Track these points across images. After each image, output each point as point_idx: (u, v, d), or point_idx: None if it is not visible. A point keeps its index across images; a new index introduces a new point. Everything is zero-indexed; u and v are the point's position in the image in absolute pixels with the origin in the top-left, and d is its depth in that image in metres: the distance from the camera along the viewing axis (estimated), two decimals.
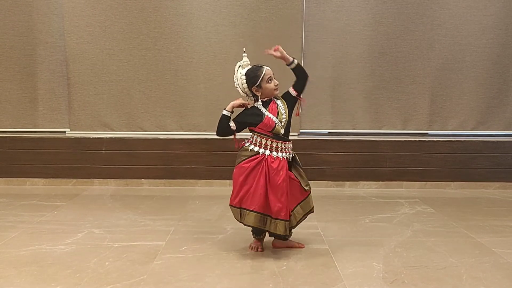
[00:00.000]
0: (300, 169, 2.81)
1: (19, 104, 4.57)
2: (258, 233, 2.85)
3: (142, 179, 4.48)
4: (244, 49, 2.82)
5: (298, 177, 2.77)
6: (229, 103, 2.77)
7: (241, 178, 2.72)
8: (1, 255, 2.74)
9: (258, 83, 2.70)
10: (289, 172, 2.74)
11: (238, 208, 2.73)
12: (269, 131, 2.71)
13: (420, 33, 4.52)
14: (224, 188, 4.40)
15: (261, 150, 2.71)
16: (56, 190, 4.30)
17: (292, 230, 2.84)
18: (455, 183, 4.54)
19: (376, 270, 2.58)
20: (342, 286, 2.39)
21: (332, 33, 4.52)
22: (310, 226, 3.30)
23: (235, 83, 2.81)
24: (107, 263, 2.63)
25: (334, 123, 4.63)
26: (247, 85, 2.74)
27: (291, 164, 2.79)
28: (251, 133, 2.79)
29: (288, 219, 2.69)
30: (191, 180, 4.48)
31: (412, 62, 4.57)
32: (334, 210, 3.76)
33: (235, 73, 2.82)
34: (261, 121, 2.70)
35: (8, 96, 4.55)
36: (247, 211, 2.70)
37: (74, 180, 4.47)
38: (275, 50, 2.72)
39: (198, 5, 4.41)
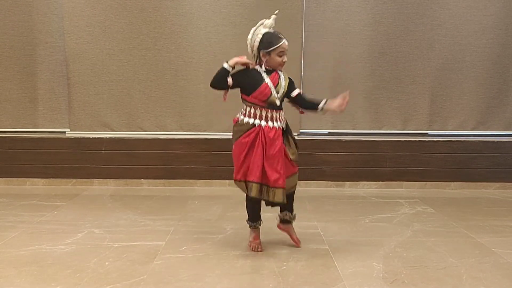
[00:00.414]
0: (290, 137, 2.79)
1: (19, 104, 4.57)
2: (253, 219, 2.85)
3: (142, 179, 4.48)
4: (276, 12, 2.76)
5: (286, 144, 2.75)
6: (233, 57, 2.70)
7: (243, 154, 2.72)
8: (1, 255, 2.74)
9: (269, 50, 2.64)
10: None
11: (244, 181, 2.74)
12: (263, 100, 2.67)
13: (420, 33, 4.52)
14: (223, 188, 4.41)
15: (257, 122, 2.69)
16: (56, 190, 4.30)
17: (296, 215, 2.87)
18: (455, 183, 4.54)
19: (376, 270, 2.58)
20: (342, 286, 2.39)
21: (332, 33, 4.52)
22: (309, 226, 3.31)
23: (248, 37, 2.72)
24: (107, 263, 2.63)
25: (334, 123, 4.62)
26: (259, 45, 2.67)
27: (283, 132, 2.77)
28: (244, 105, 2.76)
29: (285, 187, 2.67)
30: (190, 180, 4.48)
31: (412, 62, 4.57)
32: (334, 210, 3.76)
33: (255, 28, 2.72)
34: (259, 86, 2.65)
35: (8, 96, 4.55)
36: (250, 183, 2.69)
37: (74, 180, 4.47)
38: (340, 106, 2.71)
39: (198, 5, 4.40)
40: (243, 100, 2.76)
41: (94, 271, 2.52)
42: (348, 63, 4.56)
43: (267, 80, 2.67)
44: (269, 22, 2.72)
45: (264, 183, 2.69)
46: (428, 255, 2.82)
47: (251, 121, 2.71)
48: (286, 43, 2.66)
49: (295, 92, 2.75)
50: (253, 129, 2.70)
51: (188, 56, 4.47)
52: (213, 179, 4.46)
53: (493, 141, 4.54)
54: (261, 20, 2.74)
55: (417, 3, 4.48)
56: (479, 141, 4.54)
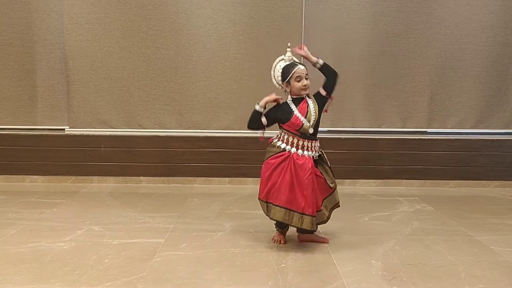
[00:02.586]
0: (327, 167, 2.88)
1: (18, 101, 4.56)
2: (281, 226, 2.91)
3: (141, 177, 4.48)
4: (288, 44, 2.83)
5: (324, 174, 2.84)
6: (263, 98, 2.78)
7: (267, 174, 2.80)
8: (0, 252, 2.74)
9: (287, 79, 2.75)
10: (316, 169, 2.80)
11: (265, 202, 2.81)
12: (296, 130, 2.75)
13: (420, 32, 4.52)
14: (223, 186, 4.41)
15: (288, 147, 2.77)
16: (55, 187, 4.30)
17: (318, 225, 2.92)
18: (454, 181, 4.54)
19: (375, 268, 2.59)
20: (341, 283, 2.39)
21: (332, 31, 4.52)
22: None
23: (272, 74, 2.84)
24: (106, 260, 2.63)
25: (334, 121, 4.62)
26: (281, 78, 2.78)
27: (318, 162, 2.85)
28: (279, 130, 2.84)
29: (315, 215, 2.73)
30: (190, 178, 4.48)
31: (411, 60, 4.56)
32: None
33: (274, 65, 2.83)
34: (290, 119, 2.74)
35: (7, 93, 4.54)
36: (273, 206, 2.77)
37: (73, 178, 4.47)
38: (299, 48, 2.79)
39: (198, 3, 4.40)
40: (280, 126, 2.85)
41: (94, 268, 2.52)
42: (348, 61, 4.56)
43: (296, 112, 2.76)
44: (287, 56, 2.82)
45: (293, 209, 2.73)
46: (427, 253, 2.82)
47: (283, 145, 2.79)
48: (302, 67, 2.75)
49: (323, 92, 2.83)
50: (282, 152, 2.78)
51: (188, 54, 4.47)
52: (212, 176, 4.46)
53: (492, 140, 4.55)
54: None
55: (417, 1, 4.47)
56: (478, 139, 4.54)
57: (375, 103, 4.62)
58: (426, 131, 4.68)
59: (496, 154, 4.54)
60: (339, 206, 2.96)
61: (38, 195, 4.02)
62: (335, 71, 2.85)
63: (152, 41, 4.45)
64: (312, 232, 2.88)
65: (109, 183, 4.46)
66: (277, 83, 2.83)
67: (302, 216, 2.71)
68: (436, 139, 4.54)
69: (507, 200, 4.14)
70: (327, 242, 2.95)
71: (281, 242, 2.92)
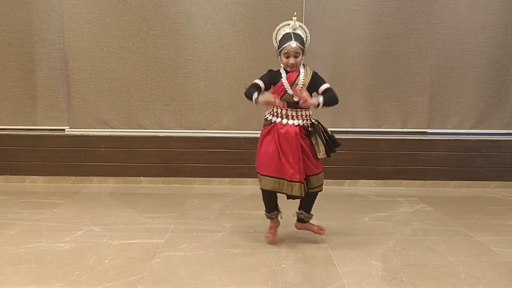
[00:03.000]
0: (318, 138, 2.78)
1: (18, 101, 4.56)
2: (269, 209, 2.91)
3: (141, 177, 4.48)
4: (295, 13, 2.83)
5: (314, 145, 2.78)
6: (264, 97, 2.72)
7: (258, 146, 2.85)
8: (0, 252, 2.74)
9: (278, 51, 2.78)
10: (304, 141, 2.77)
11: (257, 172, 2.85)
12: (280, 98, 2.74)
13: (420, 32, 4.52)
14: (223, 186, 4.41)
15: (273, 119, 2.79)
16: (55, 188, 4.30)
17: (312, 214, 2.94)
18: (454, 181, 4.54)
19: (375, 269, 2.59)
20: (340, 284, 2.39)
21: (332, 31, 4.52)
22: None
23: (273, 36, 2.87)
24: (106, 261, 2.63)
25: (334, 121, 4.62)
26: (276, 47, 2.83)
27: (311, 132, 2.79)
28: None
29: (303, 181, 2.73)
30: (190, 178, 4.48)
31: (411, 61, 4.57)
32: (333, 209, 3.76)
33: (278, 28, 2.83)
34: (277, 83, 2.76)
35: (7, 94, 4.54)
36: (262, 176, 2.81)
37: (73, 178, 4.47)
38: (298, 95, 2.72)
39: (198, 3, 4.40)
40: None
41: (93, 269, 2.52)
42: (348, 61, 4.56)
43: (283, 79, 2.76)
44: (292, 23, 2.79)
45: (282, 177, 2.75)
46: (427, 253, 2.82)
47: (269, 117, 2.83)
48: (294, 45, 2.71)
49: (322, 88, 2.80)
50: (270, 125, 2.81)
51: (188, 54, 4.47)
52: (212, 177, 4.46)
53: (492, 140, 4.55)
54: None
55: (417, 2, 4.47)
56: (478, 139, 4.54)
57: (375, 104, 4.62)
58: (426, 132, 4.68)
59: (496, 154, 4.54)
60: (321, 189, 2.88)
61: (38, 196, 4.02)
62: (336, 101, 2.82)
63: (153, 41, 4.44)
64: (306, 221, 2.91)
65: (109, 183, 4.46)
66: (275, 47, 2.85)
67: (291, 183, 2.73)
68: (436, 139, 4.54)
69: (507, 200, 4.14)
70: (322, 234, 2.97)
71: (270, 239, 2.88)
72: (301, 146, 2.77)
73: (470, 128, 4.69)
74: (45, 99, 4.56)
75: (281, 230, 3.07)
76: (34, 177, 4.48)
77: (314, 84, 2.79)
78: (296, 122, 2.77)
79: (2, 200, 3.87)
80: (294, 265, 2.62)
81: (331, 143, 2.85)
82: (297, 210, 2.98)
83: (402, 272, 2.54)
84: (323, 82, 2.82)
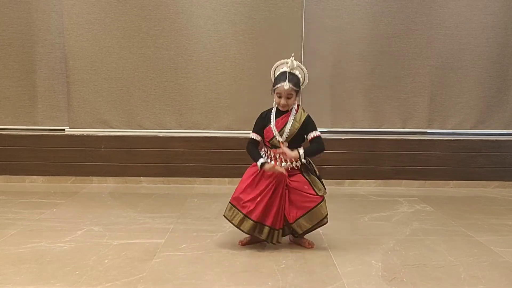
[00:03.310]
0: (313, 176, 2.81)
1: (18, 101, 4.56)
2: None
3: (141, 177, 4.48)
4: (292, 54, 2.81)
5: (310, 183, 2.77)
6: (270, 165, 2.74)
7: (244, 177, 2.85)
8: (0, 252, 2.74)
9: (272, 89, 2.76)
10: (293, 181, 2.75)
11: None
12: (268, 141, 2.77)
13: (420, 32, 4.52)
14: (222, 186, 4.41)
15: (265, 158, 2.79)
16: (55, 188, 4.30)
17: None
18: (454, 181, 4.54)
19: (375, 269, 2.59)
20: (341, 284, 2.39)
21: (332, 31, 4.52)
22: None
23: (272, 70, 2.84)
24: (106, 261, 2.63)
25: (334, 121, 4.63)
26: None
27: (303, 171, 2.79)
28: None
29: (255, 220, 2.72)
30: (190, 178, 4.48)
31: (411, 61, 4.57)
32: (333, 209, 3.74)
33: (276, 66, 2.81)
34: (266, 127, 2.77)
35: (7, 94, 4.54)
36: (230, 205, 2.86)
37: (73, 178, 4.47)
38: (277, 153, 2.73)
39: (198, 3, 4.40)
40: None
41: (93, 269, 2.52)
42: (348, 61, 4.56)
43: (272, 123, 2.76)
44: (289, 63, 2.74)
45: (238, 208, 2.79)
46: (427, 253, 2.82)
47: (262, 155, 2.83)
48: (286, 86, 2.66)
49: (309, 136, 2.78)
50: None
51: (188, 54, 4.47)
52: (212, 177, 4.46)
53: (492, 140, 4.55)
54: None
55: (417, 2, 4.48)
56: (478, 140, 4.55)
57: (375, 104, 4.62)
58: (426, 132, 4.68)
59: (496, 154, 4.54)
60: (326, 222, 2.83)
61: (38, 196, 4.02)
62: (320, 151, 2.78)
63: (152, 41, 4.45)
64: (296, 237, 2.88)
65: (109, 183, 4.46)
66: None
67: (244, 218, 2.74)
68: (436, 139, 4.54)
69: (507, 200, 4.14)
70: (308, 247, 2.88)
71: (242, 243, 2.88)
72: (287, 186, 2.75)
73: (470, 128, 4.69)
74: (45, 99, 4.56)
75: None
76: (34, 177, 4.48)
77: (304, 129, 2.76)
78: (284, 164, 2.75)
79: (2, 200, 3.87)
80: (294, 265, 2.62)
81: (321, 181, 2.85)
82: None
83: (402, 272, 2.54)
84: (313, 129, 2.78)
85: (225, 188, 4.36)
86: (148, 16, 4.41)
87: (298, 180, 2.77)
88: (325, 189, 2.85)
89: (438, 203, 3.95)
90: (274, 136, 2.74)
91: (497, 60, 4.60)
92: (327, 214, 2.83)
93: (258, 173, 2.77)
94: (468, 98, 4.65)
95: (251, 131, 2.85)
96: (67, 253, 2.73)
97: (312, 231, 2.84)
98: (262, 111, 2.85)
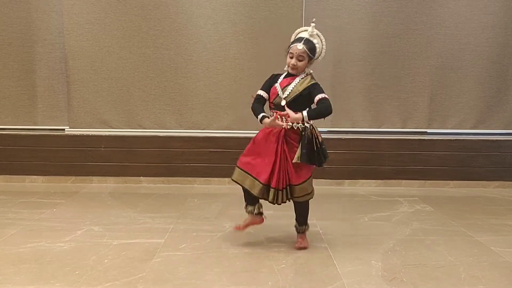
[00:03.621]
0: (302, 142, 2.70)
1: (18, 101, 4.56)
2: (246, 201, 2.89)
3: (141, 177, 4.48)
4: (313, 19, 2.79)
5: (295, 149, 2.71)
6: (270, 119, 2.72)
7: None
8: (0, 252, 2.74)
9: (287, 49, 2.76)
10: (291, 146, 2.72)
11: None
12: (271, 101, 2.79)
13: (420, 32, 4.52)
14: (223, 186, 4.41)
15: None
16: (55, 188, 4.30)
17: (308, 224, 2.91)
18: (454, 181, 4.54)
19: (375, 269, 2.59)
20: (341, 284, 2.39)
21: (332, 31, 4.51)
22: (309, 224, 3.30)
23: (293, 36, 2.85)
24: (106, 261, 2.63)
25: (334, 121, 4.62)
26: None
27: (302, 136, 2.72)
28: None
29: (266, 183, 2.71)
30: (190, 178, 4.48)
31: (411, 61, 4.57)
32: (333, 209, 3.76)
33: (298, 31, 2.82)
34: (273, 85, 2.78)
35: (7, 93, 4.54)
36: (235, 167, 2.88)
37: (73, 178, 4.47)
38: (280, 115, 2.71)
39: (198, 3, 4.40)
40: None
41: (93, 269, 2.52)
42: (348, 61, 4.56)
43: (277, 83, 2.77)
44: (310, 29, 2.76)
45: (248, 172, 2.80)
46: (427, 253, 2.82)
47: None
48: (300, 47, 2.68)
49: (316, 98, 2.72)
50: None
51: (188, 54, 4.47)
52: (212, 177, 4.46)
53: (492, 140, 4.55)
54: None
55: (417, 2, 4.48)
56: (478, 139, 4.55)
57: (375, 104, 4.62)
58: (426, 132, 4.68)
59: (496, 154, 4.54)
60: (308, 198, 2.82)
61: (38, 195, 4.02)
62: (326, 112, 2.68)
63: (152, 41, 4.44)
64: (300, 232, 2.89)
65: (109, 183, 4.46)
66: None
67: (253, 180, 2.74)
68: (436, 139, 4.54)
69: (507, 200, 4.14)
70: (300, 246, 2.85)
71: (240, 226, 2.89)
72: (283, 151, 2.72)
73: (470, 128, 4.69)
74: (45, 99, 4.56)
75: (281, 230, 3.07)
76: (34, 177, 4.48)
77: (309, 94, 2.72)
78: (289, 124, 2.70)
79: (2, 200, 3.87)
80: (294, 265, 2.62)
81: (320, 153, 2.76)
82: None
83: (402, 272, 2.54)
84: (319, 92, 2.70)
85: (225, 188, 4.36)
86: (148, 16, 4.41)
87: (292, 150, 2.72)
88: (324, 160, 2.80)
89: (438, 203, 3.95)
90: (278, 94, 2.73)
91: (497, 60, 4.60)
92: (310, 192, 2.86)
93: (259, 135, 2.81)
94: (468, 98, 4.65)
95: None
96: (67, 253, 2.73)
97: (302, 206, 2.86)
98: (274, 73, 2.87)
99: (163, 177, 4.48)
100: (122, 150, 4.45)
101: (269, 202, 2.77)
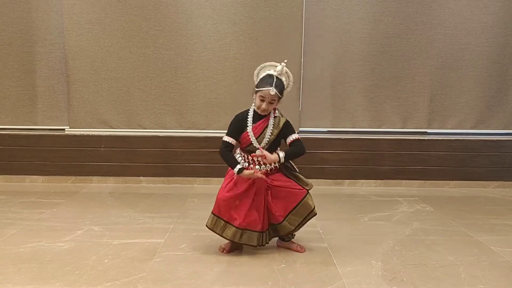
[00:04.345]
0: (295, 173, 2.74)
1: (18, 101, 4.56)
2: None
3: (141, 177, 4.48)
4: (285, 60, 2.66)
5: (293, 179, 2.72)
6: (249, 172, 2.63)
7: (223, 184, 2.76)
8: (0, 252, 2.74)
9: (256, 90, 2.65)
10: (276, 180, 2.70)
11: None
12: (244, 147, 2.70)
13: (420, 32, 4.52)
14: None
15: (241, 162, 2.69)
16: (55, 188, 4.30)
17: (295, 233, 2.85)
18: (454, 181, 4.54)
19: (375, 269, 2.59)
20: (341, 284, 2.39)
21: (332, 31, 4.52)
22: (309, 224, 3.28)
23: (255, 73, 2.72)
24: (106, 261, 2.63)
25: (334, 121, 4.63)
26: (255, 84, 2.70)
27: (283, 170, 2.72)
28: None
29: (240, 227, 2.65)
30: (190, 178, 4.48)
31: (411, 61, 4.57)
32: (333, 209, 3.76)
33: (262, 66, 2.70)
34: (242, 132, 2.67)
35: (7, 93, 4.54)
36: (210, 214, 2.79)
37: (73, 178, 4.47)
38: (256, 156, 2.65)
39: (198, 3, 4.40)
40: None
41: (93, 269, 2.52)
42: (348, 61, 4.56)
43: (249, 128, 2.65)
44: (279, 68, 2.63)
45: (220, 217, 2.72)
46: (427, 253, 2.82)
47: (238, 156, 2.72)
48: (272, 92, 2.56)
49: (289, 139, 2.69)
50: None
51: (188, 54, 4.47)
52: (212, 177, 4.46)
53: (492, 140, 4.55)
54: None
55: (417, 2, 4.48)
56: (478, 140, 4.55)
57: (375, 104, 4.62)
58: (426, 132, 4.68)
59: (496, 154, 4.54)
60: (315, 213, 2.77)
61: (38, 195, 4.02)
62: (300, 153, 2.68)
63: (152, 41, 4.45)
64: (286, 240, 2.84)
65: (109, 183, 4.46)
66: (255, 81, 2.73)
67: (226, 225, 2.68)
68: (436, 139, 4.54)
69: (507, 200, 4.14)
70: (301, 251, 2.81)
71: (224, 251, 2.77)
72: (269, 187, 2.69)
73: (470, 128, 4.69)
74: (45, 99, 4.56)
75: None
76: (34, 177, 4.48)
77: (283, 134, 2.69)
78: (263, 167, 2.67)
79: (2, 199, 3.87)
80: (294, 265, 2.62)
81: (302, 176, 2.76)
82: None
83: (402, 272, 2.54)
84: (292, 132, 2.69)
85: None
86: (148, 16, 4.41)
87: (280, 179, 2.71)
88: (309, 183, 2.77)
89: (438, 203, 3.95)
90: (252, 143, 2.64)
91: (497, 60, 4.60)
92: (315, 206, 2.76)
93: (235, 179, 2.68)
94: (468, 98, 4.65)
95: (225, 134, 2.71)
96: (67, 253, 2.73)
97: (303, 225, 2.77)
98: (238, 113, 2.72)
99: (163, 177, 4.48)
100: (122, 150, 4.45)
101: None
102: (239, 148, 2.76)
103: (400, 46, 4.55)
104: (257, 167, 2.67)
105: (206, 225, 2.78)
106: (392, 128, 4.66)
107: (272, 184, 2.70)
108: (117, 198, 3.97)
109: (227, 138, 2.69)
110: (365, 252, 2.81)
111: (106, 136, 4.46)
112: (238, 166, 2.64)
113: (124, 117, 4.54)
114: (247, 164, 2.69)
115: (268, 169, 2.69)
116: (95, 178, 4.47)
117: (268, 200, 2.70)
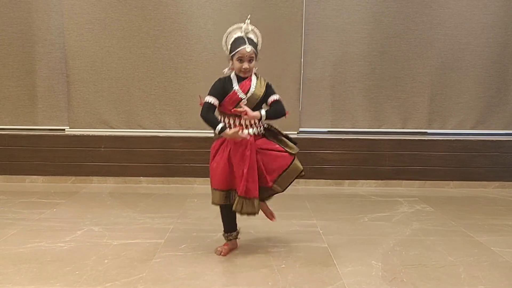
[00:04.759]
0: (280, 137, 2.70)
1: (18, 101, 4.56)
2: (228, 229, 2.80)
3: (141, 177, 4.48)
4: (248, 15, 2.61)
5: (279, 143, 2.67)
6: (233, 130, 2.57)
7: (211, 159, 2.76)
8: (0, 252, 2.74)
9: (231, 54, 2.60)
10: (264, 143, 2.66)
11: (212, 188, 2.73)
12: (232, 108, 2.61)
13: (420, 32, 4.52)
14: None
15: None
16: (55, 188, 4.30)
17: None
18: (454, 182, 4.54)
19: (375, 269, 2.59)
20: (341, 284, 2.39)
21: (332, 31, 4.52)
22: (309, 224, 3.31)
23: (223, 40, 2.67)
24: (106, 261, 2.63)
25: (334, 121, 4.63)
26: (228, 51, 2.64)
27: (267, 135, 2.70)
28: (219, 115, 2.71)
29: (256, 196, 2.59)
30: (189, 178, 4.48)
31: (411, 61, 4.57)
32: (333, 209, 3.76)
33: (228, 31, 2.64)
34: (229, 93, 2.60)
35: (7, 93, 4.54)
36: (212, 190, 2.75)
37: (73, 178, 4.47)
38: (237, 111, 2.60)
39: (198, 3, 4.40)
40: (219, 112, 2.71)
41: (93, 269, 2.52)
42: (348, 61, 4.56)
43: (236, 87, 2.60)
44: (244, 26, 2.58)
45: (234, 189, 2.68)
46: (427, 253, 2.82)
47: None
48: (248, 49, 2.53)
49: (270, 100, 2.67)
50: (221, 138, 2.68)
51: (188, 54, 4.47)
52: None
53: (492, 140, 4.55)
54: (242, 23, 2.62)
55: (417, 2, 4.48)
56: (478, 140, 4.54)
57: (375, 104, 4.62)
58: (426, 132, 4.68)
59: (496, 154, 4.54)
60: (303, 174, 2.71)
61: (38, 195, 4.02)
62: (281, 114, 2.65)
63: (152, 42, 4.45)
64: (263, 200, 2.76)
65: (109, 183, 4.46)
66: (225, 48, 2.68)
67: (241, 200, 2.59)
68: (436, 139, 4.54)
69: (507, 200, 4.14)
70: (272, 220, 2.81)
71: (222, 253, 2.73)
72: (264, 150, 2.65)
73: (470, 128, 4.69)
74: (45, 99, 4.56)
75: (281, 231, 3.06)
76: (34, 177, 4.48)
77: (266, 95, 2.65)
78: (251, 130, 2.63)
79: (2, 199, 3.87)
80: (294, 265, 2.62)
81: (289, 139, 2.73)
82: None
83: (402, 272, 2.54)
84: (273, 92, 2.67)
85: None
86: (148, 16, 4.41)
87: (266, 143, 2.67)
88: (296, 145, 2.72)
89: (438, 203, 3.95)
90: (241, 98, 2.58)
91: (497, 60, 4.60)
92: (303, 168, 2.71)
93: (222, 144, 2.66)
94: (468, 98, 4.65)
95: (207, 95, 2.63)
96: (67, 253, 2.73)
97: (291, 184, 2.72)
98: (220, 77, 2.67)
99: (163, 177, 4.48)
100: (122, 150, 4.45)
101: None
102: (221, 117, 2.69)
103: (400, 46, 4.55)
104: (245, 130, 2.61)
105: (216, 202, 2.72)
106: (392, 128, 4.66)
107: (260, 146, 2.64)
108: (117, 198, 3.97)
109: (210, 98, 2.62)
110: (365, 253, 2.81)
111: (106, 136, 4.46)
112: (221, 125, 2.58)
113: (124, 117, 4.54)
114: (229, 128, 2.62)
115: (252, 134, 2.63)
116: (95, 178, 4.47)
117: (260, 164, 2.64)
